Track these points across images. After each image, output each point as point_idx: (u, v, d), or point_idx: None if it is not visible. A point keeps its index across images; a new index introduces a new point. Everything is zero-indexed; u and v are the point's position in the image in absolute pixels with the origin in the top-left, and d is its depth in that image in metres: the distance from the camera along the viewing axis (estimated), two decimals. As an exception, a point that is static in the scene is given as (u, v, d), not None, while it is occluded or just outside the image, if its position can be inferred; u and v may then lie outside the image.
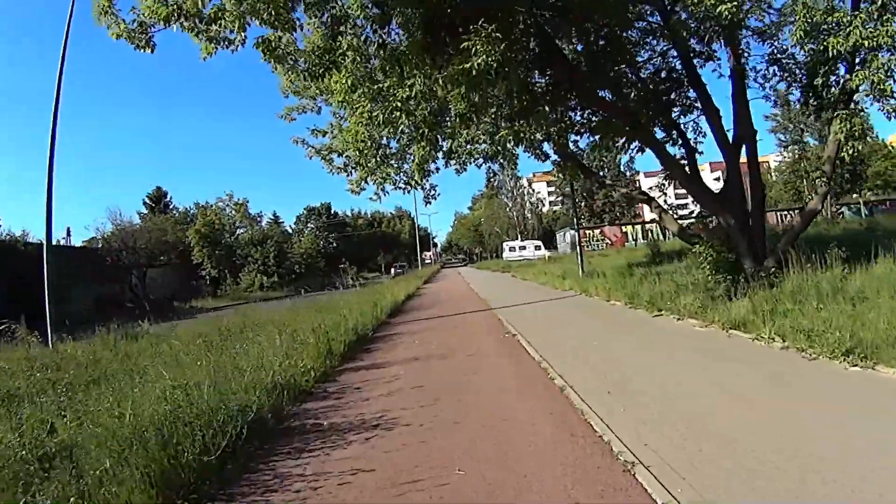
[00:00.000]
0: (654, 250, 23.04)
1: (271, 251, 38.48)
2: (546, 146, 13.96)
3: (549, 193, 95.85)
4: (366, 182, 12.75)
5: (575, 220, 19.14)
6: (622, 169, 73.23)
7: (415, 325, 11.99)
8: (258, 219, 41.79)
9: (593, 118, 10.33)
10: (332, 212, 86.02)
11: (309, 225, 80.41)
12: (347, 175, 12.71)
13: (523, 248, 61.77)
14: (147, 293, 31.56)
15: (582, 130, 10.34)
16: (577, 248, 18.68)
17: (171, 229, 40.01)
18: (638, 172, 77.91)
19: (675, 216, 13.58)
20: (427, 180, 13.62)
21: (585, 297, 13.63)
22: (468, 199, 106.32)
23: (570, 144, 12.60)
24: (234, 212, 40.33)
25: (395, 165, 10.83)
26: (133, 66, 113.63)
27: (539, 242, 63.74)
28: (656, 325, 8.39)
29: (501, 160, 15.20)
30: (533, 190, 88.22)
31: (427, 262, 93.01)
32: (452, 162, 14.53)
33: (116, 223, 31.07)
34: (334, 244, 79.63)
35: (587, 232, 60.16)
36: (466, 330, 10.32)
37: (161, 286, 33.66)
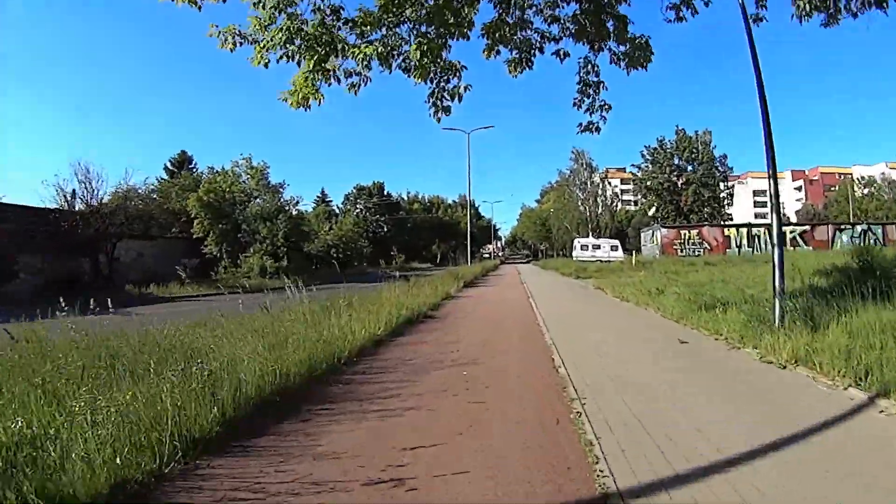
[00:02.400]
0: (864, 263, 12.81)
1: (281, 228, 30.50)
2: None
3: (622, 192, 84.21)
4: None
5: (773, 196, 8.15)
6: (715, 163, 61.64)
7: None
8: (280, 189, 33.87)
9: None
10: (385, 193, 78.00)
11: (358, 205, 72.86)
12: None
13: (597, 246, 50.95)
14: (112, 273, 24.62)
15: None
16: (777, 248, 7.88)
17: (176, 196, 33.34)
18: (731, 168, 64.88)
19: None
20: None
21: None
22: (537, 193, 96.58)
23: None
24: (249, 178, 32.81)
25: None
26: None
27: (616, 242, 52.66)
28: None
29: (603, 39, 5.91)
30: (609, 184, 76.69)
31: (486, 255, 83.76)
32: (504, 48, 6.90)
33: (83, 181, 23.96)
34: (385, 228, 71.88)
35: (681, 232, 48.56)
36: None
37: (152, 264, 26.67)
